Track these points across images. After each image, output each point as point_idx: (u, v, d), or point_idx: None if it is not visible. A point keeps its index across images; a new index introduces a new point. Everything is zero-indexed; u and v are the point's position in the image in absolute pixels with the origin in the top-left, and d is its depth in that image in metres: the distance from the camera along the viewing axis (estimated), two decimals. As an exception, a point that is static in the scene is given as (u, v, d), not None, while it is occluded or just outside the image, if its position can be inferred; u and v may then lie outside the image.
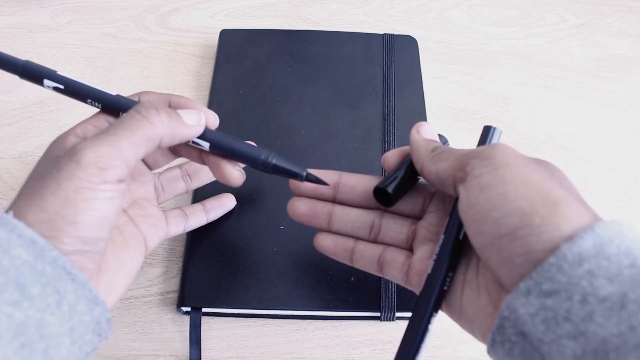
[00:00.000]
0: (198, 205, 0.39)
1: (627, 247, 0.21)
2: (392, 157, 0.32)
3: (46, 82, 0.31)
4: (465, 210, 0.25)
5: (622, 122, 0.52)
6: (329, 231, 0.33)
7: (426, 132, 0.31)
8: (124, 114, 0.28)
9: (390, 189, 0.30)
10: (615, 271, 0.21)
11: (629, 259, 0.21)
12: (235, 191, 0.41)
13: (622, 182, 0.48)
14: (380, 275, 0.32)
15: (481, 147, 0.26)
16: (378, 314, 0.37)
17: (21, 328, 0.22)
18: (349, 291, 0.37)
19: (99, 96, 0.31)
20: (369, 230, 0.32)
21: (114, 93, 0.31)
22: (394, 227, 0.32)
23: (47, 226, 0.24)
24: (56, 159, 0.26)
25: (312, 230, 0.39)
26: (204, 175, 0.39)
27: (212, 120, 0.32)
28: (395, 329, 0.38)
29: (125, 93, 0.55)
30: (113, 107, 0.31)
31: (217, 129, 0.32)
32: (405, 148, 0.32)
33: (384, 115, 0.47)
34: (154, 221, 0.34)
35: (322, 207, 0.33)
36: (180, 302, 0.37)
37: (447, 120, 0.51)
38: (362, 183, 0.32)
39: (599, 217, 0.23)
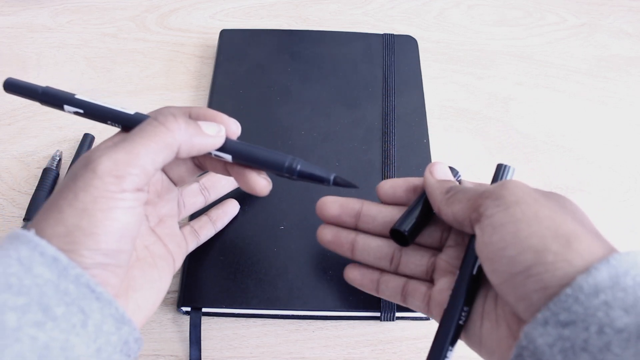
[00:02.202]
0: (204, 218, 0.38)
1: None
2: (387, 188, 0.34)
3: (66, 107, 0.31)
4: (481, 249, 0.26)
5: (622, 122, 0.52)
6: (353, 259, 0.34)
7: (439, 172, 0.32)
8: (142, 122, 0.28)
9: (406, 232, 0.31)
10: (632, 302, 0.21)
11: None
12: (235, 192, 0.41)
13: (622, 182, 0.48)
14: (404, 304, 0.33)
15: (492, 186, 0.27)
16: (378, 314, 0.37)
17: (46, 350, 0.21)
18: (349, 291, 0.37)
19: (118, 116, 0.30)
20: (389, 261, 0.33)
21: (132, 112, 0.30)
22: (414, 259, 0.32)
23: (65, 239, 0.24)
24: (75, 170, 0.26)
25: (311, 231, 0.39)
26: (221, 187, 0.39)
27: (234, 129, 0.31)
28: (395, 329, 0.38)
29: (125, 93, 0.55)
30: (132, 126, 0.30)
31: None
32: (404, 179, 0.33)
33: (384, 115, 0.47)
34: (179, 240, 0.34)
35: (346, 236, 0.34)
36: (180, 302, 0.37)
37: (447, 120, 0.51)
38: (383, 214, 0.33)
39: (613, 249, 0.24)
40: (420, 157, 0.45)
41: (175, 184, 0.34)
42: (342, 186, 0.31)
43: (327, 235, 0.34)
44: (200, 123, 0.29)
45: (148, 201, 0.32)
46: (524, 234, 0.24)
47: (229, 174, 0.33)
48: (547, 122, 0.51)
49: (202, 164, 0.33)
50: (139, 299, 0.28)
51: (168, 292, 0.39)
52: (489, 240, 0.25)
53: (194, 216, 0.40)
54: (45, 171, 0.44)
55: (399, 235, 0.32)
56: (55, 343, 0.22)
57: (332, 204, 0.34)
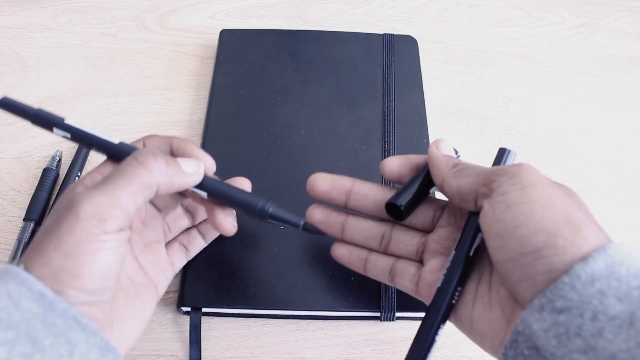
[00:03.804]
0: (193, 232, 0.38)
1: (636, 269, 0.22)
2: (393, 165, 0.33)
3: (55, 130, 0.32)
4: (489, 224, 0.26)
5: (622, 122, 0.52)
6: (343, 240, 0.34)
7: (445, 148, 0.32)
8: (122, 162, 0.28)
9: (403, 205, 0.31)
10: (625, 291, 0.22)
11: (637, 281, 0.22)
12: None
13: (622, 182, 0.48)
14: (391, 284, 0.33)
15: (507, 166, 0.27)
16: (378, 314, 0.37)
17: None
18: (349, 291, 0.37)
19: (103, 145, 0.31)
20: (379, 241, 0.33)
21: (116, 141, 0.31)
22: (404, 239, 0.33)
23: (51, 280, 0.24)
24: (59, 211, 0.26)
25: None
26: (204, 213, 0.38)
27: (209, 165, 0.32)
28: (395, 329, 0.38)
29: (125, 93, 0.55)
30: (116, 155, 0.31)
31: (218, 131, 0.32)
32: (407, 157, 0.33)
33: (384, 115, 0.47)
34: (163, 265, 0.34)
35: (337, 217, 0.34)
36: (180, 302, 0.37)
37: (447, 120, 0.51)
38: (374, 192, 0.33)
39: (611, 239, 0.24)
40: (420, 157, 0.45)
41: (159, 210, 0.34)
42: (311, 232, 0.32)
43: (316, 215, 0.34)
44: (180, 160, 0.30)
45: (133, 229, 0.32)
46: (538, 216, 0.24)
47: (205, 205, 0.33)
48: (547, 122, 0.51)
49: (183, 192, 0.34)
50: (123, 329, 0.29)
51: (168, 292, 0.39)
52: (500, 216, 0.25)
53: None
54: (45, 171, 0.44)
55: (394, 209, 0.32)
56: None
57: (323, 180, 0.34)
